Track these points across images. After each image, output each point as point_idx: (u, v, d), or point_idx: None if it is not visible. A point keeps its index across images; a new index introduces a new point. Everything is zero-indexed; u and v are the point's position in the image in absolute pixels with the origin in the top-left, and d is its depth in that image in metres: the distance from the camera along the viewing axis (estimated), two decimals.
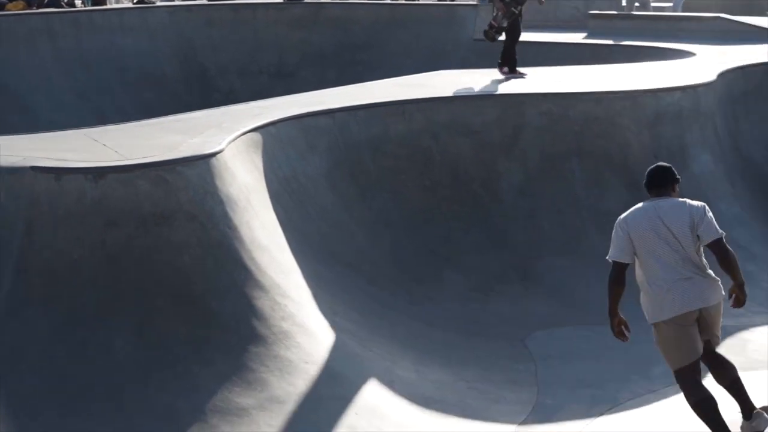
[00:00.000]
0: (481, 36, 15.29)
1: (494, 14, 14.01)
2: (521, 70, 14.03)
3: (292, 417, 6.94)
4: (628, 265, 6.53)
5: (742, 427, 6.60)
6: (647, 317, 6.60)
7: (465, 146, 11.32)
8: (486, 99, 12.12)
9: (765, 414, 6.58)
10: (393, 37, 22.46)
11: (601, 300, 9.99)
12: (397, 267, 10.02)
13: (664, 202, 6.57)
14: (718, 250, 6.48)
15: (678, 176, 6.75)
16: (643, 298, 6.61)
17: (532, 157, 11.58)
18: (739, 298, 6.62)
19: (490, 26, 14.05)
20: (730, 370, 6.67)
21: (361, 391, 7.50)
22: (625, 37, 21.30)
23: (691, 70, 14.69)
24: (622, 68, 15.26)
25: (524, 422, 7.46)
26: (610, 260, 6.62)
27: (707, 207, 6.65)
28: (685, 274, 6.41)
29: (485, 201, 11.14)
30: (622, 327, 6.60)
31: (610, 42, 20.30)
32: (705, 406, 6.35)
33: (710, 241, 6.47)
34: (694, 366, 6.44)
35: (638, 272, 6.56)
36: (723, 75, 14.03)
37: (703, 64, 15.46)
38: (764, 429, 6.46)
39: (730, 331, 9.52)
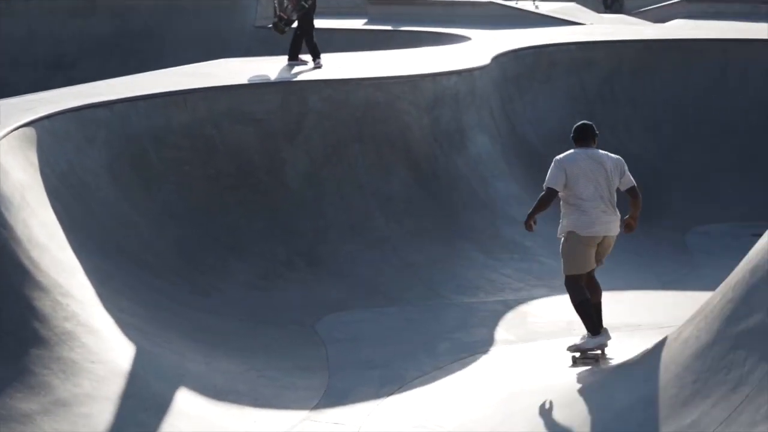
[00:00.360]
0: (263, 23, 15.24)
1: (284, 6, 13.92)
2: (303, 58, 14.02)
3: (80, 419, 6.73)
4: (557, 192, 8.07)
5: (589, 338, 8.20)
6: (562, 230, 8.17)
7: (248, 135, 11.28)
8: (268, 87, 12.10)
9: (609, 332, 8.21)
10: (174, 25, 22.11)
11: (389, 282, 10.29)
12: (183, 258, 9.88)
13: (593, 151, 8.22)
14: (634, 193, 8.26)
15: (597, 132, 8.43)
16: (565, 216, 8.14)
17: (315, 144, 11.65)
18: (631, 226, 8.34)
19: (280, 18, 13.94)
20: (599, 292, 8.38)
21: (151, 387, 7.36)
22: (404, 22, 21.78)
23: (468, 54, 15.18)
24: (401, 53, 15.60)
25: (316, 407, 7.51)
26: (545, 186, 8.15)
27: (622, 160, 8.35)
28: (601, 207, 8.04)
29: (270, 189, 11.13)
30: (532, 225, 8.30)
31: (390, 28, 20.68)
32: (585, 305, 8.11)
33: (629, 186, 8.24)
34: (583, 276, 8.16)
35: (566, 196, 8.09)
36: (497, 58, 14.57)
37: (479, 48, 16.02)
38: (606, 342, 8.11)
39: (511, 305, 9.98)
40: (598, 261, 8.30)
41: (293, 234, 10.77)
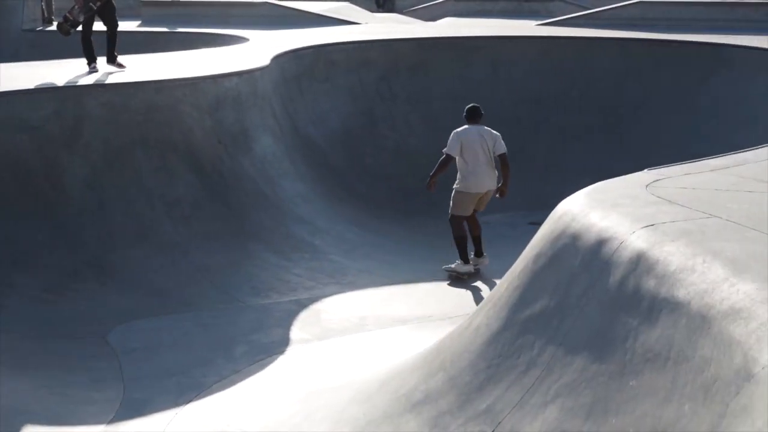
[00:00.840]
0: (32, 26, 14.63)
1: (71, 7, 13.32)
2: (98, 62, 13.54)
3: None
4: (453, 158, 11.12)
5: (471, 259, 11.45)
6: (457, 186, 11.29)
7: (25, 142, 10.81)
8: (42, 93, 11.61)
9: (487, 259, 11.58)
10: None
11: (181, 287, 10.13)
12: None
13: (479, 127, 11.34)
14: (504, 159, 11.31)
15: (483, 113, 11.59)
16: (461, 179, 11.22)
17: (96, 150, 11.31)
18: (503, 191, 11.46)
19: (65, 19, 13.31)
20: (479, 228, 11.63)
21: None
22: (179, 24, 21.48)
23: (247, 55, 15.15)
24: (180, 55, 15.38)
25: (113, 421, 7.30)
26: (444, 152, 11.20)
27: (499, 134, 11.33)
28: (485, 169, 11.16)
29: (51, 197, 10.72)
30: (433, 186, 11.32)
31: (166, 29, 20.33)
32: (462, 240, 11.36)
33: (501, 152, 11.26)
34: (465, 218, 11.39)
35: (460, 161, 11.14)
36: (277, 59, 14.62)
37: (258, 48, 16.02)
38: (483, 266, 11.51)
39: (304, 304, 10.04)
40: (479, 207, 11.51)
41: (78, 243, 10.42)
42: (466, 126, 11.42)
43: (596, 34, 18.36)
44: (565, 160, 15.81)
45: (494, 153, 11.21)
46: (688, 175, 6.81)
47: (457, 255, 11.36)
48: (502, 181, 11.38)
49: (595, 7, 24.28)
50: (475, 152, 11.08)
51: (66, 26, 13.26)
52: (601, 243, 5.53)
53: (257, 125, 12.99)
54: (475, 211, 11.52)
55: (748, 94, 15.32)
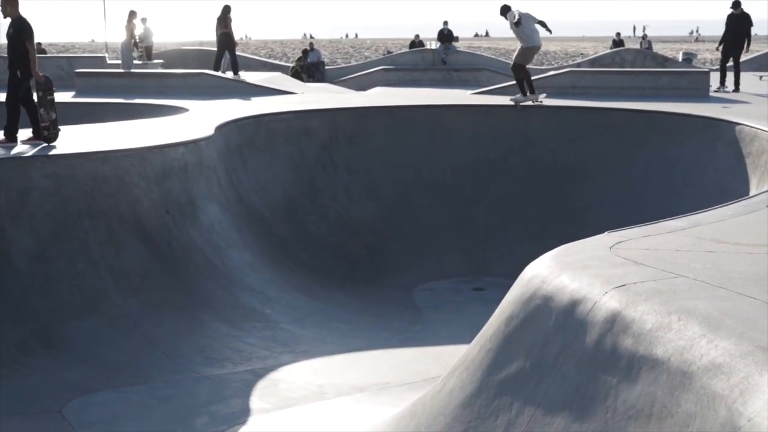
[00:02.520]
0: None
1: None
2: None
3: None
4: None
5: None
6: (522, 42, 17.72)
7: None
8: None
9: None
10: None
11: (133, 359, 10.00)
12: None
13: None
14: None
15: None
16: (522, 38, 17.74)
17: (42, 221, 11.17)
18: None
19: (45, 129, 12.81)
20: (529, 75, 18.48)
21: None
22: (115, 94, 21.40)
23: (190, 125, 15.17)
24: (122, 126, 15.34)
25: None
26: (514, 23, 17.57)
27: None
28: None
29: None
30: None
31: (102, 100, 20.24)
32: (523, 80, 18.01)
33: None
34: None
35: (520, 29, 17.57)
36: (220, 128, 14.67)
37: (200, 118, 16.04)
38: (531, 99, 17.66)
39: (260, 374, 9.97)
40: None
41: (26, 316, 10.24)
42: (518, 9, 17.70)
43: (530, 102, 18.75)
44: (505, 227, 16.05)
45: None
46: (647, 237, 7.00)
47: None
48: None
49: None
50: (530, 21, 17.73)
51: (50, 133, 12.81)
52: (574, 304, 5.66)
53: (204, 195, 12.98)
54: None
55: (679, 159, 15.77)
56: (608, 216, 14.61)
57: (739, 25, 21.27)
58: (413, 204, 16.40)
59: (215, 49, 26.14)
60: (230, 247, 12.78)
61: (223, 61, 25.56)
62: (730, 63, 21.83)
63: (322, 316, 12.36)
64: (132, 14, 29.09)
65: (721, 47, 21.67)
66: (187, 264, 11.91)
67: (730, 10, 21.29)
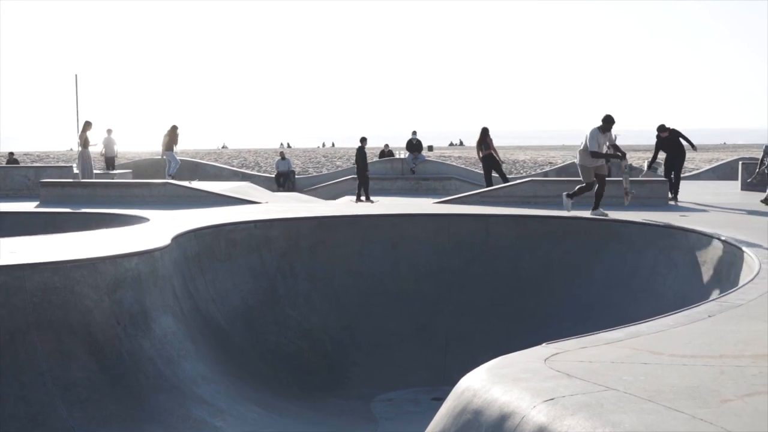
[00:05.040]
0: None
1: None
2: None
3: None
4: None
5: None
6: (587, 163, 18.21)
7: None
8: None
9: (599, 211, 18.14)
10: None
11: None
12: None
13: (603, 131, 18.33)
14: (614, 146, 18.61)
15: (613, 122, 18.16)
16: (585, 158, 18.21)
17: None
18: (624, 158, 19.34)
19: None
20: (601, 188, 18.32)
21: None
22: (79, 204, 21.40)
23: (148, 234, 15.11)
24: (79, 236, 15.25)
25: None
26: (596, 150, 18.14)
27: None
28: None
29: None
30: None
31: (65, 210, 20.21)
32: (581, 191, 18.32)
33: (612, 143, 18.62)
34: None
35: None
36: (177, 238, 14.62)
37: (158, 228, 16.01)
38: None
39: None
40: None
41: None
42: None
43: (493, 211, 18.89)
44: (467, 335, 15.97)
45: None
46: (584, 348, 6.95)
47: None
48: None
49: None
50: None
51: None
52: (503, 418, 5.58)
53: (157, 305, 12.85)
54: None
55: (638, 267, 15.83)
56: (570, 324, 14.59)
57: (671, 143, 22.28)
58: (375, 313, 16.33)
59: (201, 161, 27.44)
60: (183, 358, 12.59)
61: (169, 168, 29.55)
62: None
63: (277, 428, 12.13)
64: (87, 125, 29.25)
65: (651, 165, 23.08)
66: (137, 376, 11.71)
67: (658, 133, 22.50)
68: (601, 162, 18.42)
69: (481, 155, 26.70)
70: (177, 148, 31.47)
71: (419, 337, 16.16)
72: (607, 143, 18.27)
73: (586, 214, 17.97)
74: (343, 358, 15.53)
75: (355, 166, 30.53)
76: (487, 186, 25.75)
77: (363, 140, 29.59)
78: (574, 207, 18.46)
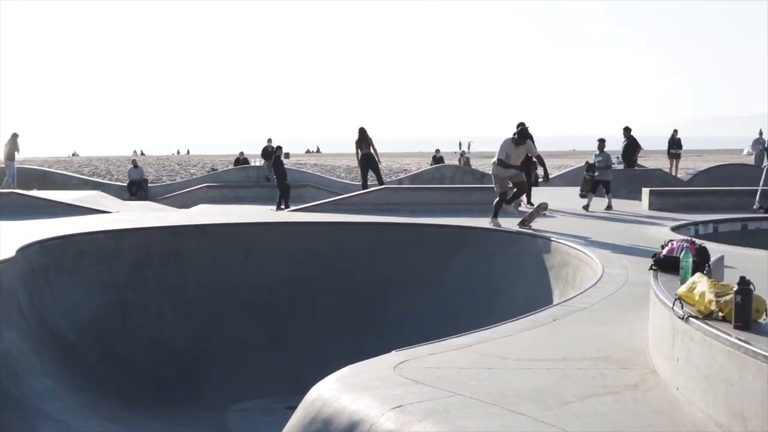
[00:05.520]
0: None
1: None
2: None
3: None
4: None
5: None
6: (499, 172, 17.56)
7: None
8: None
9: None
10: None
11: None
12: None
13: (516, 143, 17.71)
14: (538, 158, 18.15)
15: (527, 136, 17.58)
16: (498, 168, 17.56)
17: None
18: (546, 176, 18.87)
19: None
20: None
21: None
22: None
23: None
24: None
25: None
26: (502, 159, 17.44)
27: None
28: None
29: None
30: None
31: None
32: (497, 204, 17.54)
33: (535, 155, 18.00)
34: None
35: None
36: (22, 250, 14.16)
37: (2, 240, 15.46)
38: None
39: None
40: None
41: None
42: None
43: (347, 218, 18.99)
44: (320, 343, 15.98)
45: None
46: (433, 354, 7.07)
47: None
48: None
49: (345, 193, 25.23)
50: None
51: None
52: (352, 426, 5.63)
53: (1, 319, 12.41)
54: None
55: (489, 273, 16.17)
56: (423, 331, 14.73)
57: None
58: (228, 323, 16.18)
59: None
60: (28, 373, 12.20)
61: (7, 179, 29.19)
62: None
63: None
64: None
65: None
66: None
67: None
68: (514, 171, 17.61)
69: (359, 155, 26.58)
70: (19, 156, 30.58)
71: (273, 346, 16.09)
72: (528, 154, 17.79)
73: (439, 221, 18.25)
74: (195, 369, 15.32)
75: (274, 175, 30.17)
76: (363, 188, 25.82)
77: (279, 149, 29.23)
78: (420, 214, 18.79)
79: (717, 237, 16.81)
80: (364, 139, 26.30)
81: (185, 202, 33.63)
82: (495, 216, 17.79)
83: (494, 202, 17.93)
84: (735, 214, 19.96)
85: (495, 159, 17.83)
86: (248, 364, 15.39)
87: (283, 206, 27.73)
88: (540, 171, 18.98)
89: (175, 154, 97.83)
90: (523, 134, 17.45)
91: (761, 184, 21.09)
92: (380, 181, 27.13)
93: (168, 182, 43.90)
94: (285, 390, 14.73)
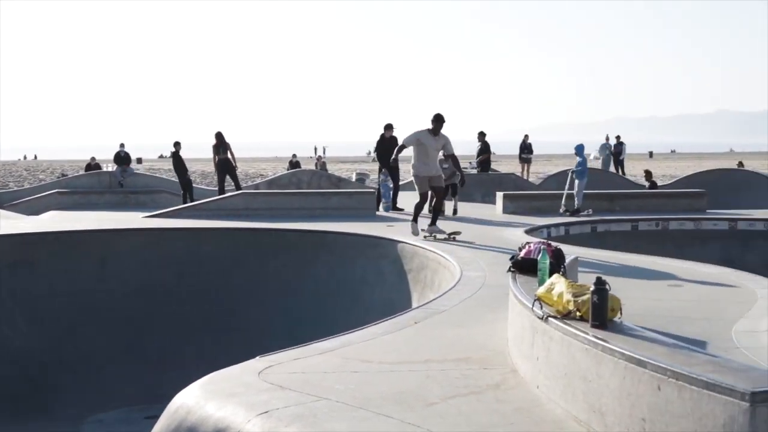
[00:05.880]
0: None
1: None
2: None
3: None
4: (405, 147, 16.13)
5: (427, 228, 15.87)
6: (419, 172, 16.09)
7: None
8: None
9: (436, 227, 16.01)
10: None
11: None
12: None
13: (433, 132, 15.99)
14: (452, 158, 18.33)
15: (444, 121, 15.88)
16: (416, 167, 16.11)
17: None
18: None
19: None
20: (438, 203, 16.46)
21: None
22: None
23: None
24: None
25: None
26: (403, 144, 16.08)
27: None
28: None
29: None
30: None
31: None
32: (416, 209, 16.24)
33: (449, 153, 16.93)
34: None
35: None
36: None
37: None
38: (432, 234, 15.84)
39: None
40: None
41: None
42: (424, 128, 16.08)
43: (204, 224, 18.75)
44: (179, 351, 15.73)
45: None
46: (297, 359, 7.06)
47: None
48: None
49: (201, 199, 24.89)
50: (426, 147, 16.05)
51: None
52: None
53: None
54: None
55: (348, 277, 16.24)
56: (283, 336, 14.69)
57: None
58: (83, 332, 15.75)
59: None
60: None
61: None
62: None
63: None
64: None
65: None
66: None
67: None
68: (435, 173, 16.35)
69: (216, 160, 26.24)
70: None
71: (130, 355, 15.76)
72: (442, 152, 16.74)
73: (297, 226, 18.21)
74: (50, 380, 14.86)
75: (175, 173, 29.34)
76: (220, 193, 25.44)
77: (176, 144, 28.53)
78: (278, 219, 18.70)
79: (568, 239, 17.32)
80: (221, 144, 26.06)
81: (35, 208, 32.51)
82: (414, 220, 16.50)
83: (415, 205, 16.54)
84: (584, 217, 20.65)
85: (412, 161, 16.16)
86: (105, 374, 15.02)
87: (189, 200, 27.31)
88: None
89: (22, 159, 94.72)
90: (438, 119, 15.93)
91: (566, 188, 21.82)
92: (237, 186, 26.86)
93: (15, 188, 42.44)
94: (144, 399, 14.45)
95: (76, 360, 15.23)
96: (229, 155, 26.14)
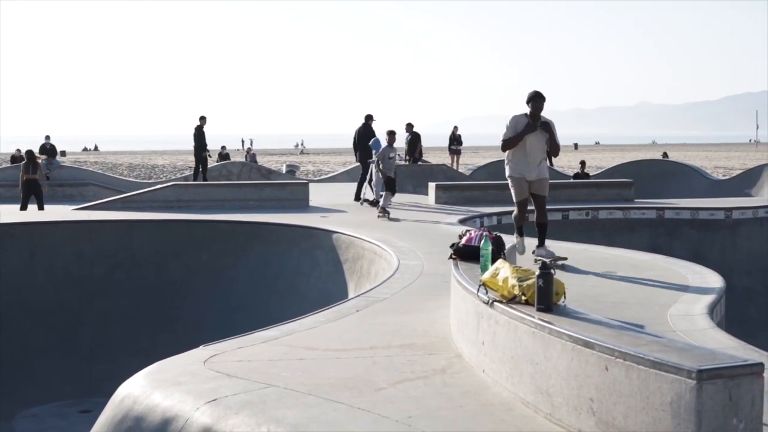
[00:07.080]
0: None
1: None
2: None
3: None
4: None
5: (533, 252, 11.87)
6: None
7: None
8: None
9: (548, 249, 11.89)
10: None
11: None
12: None
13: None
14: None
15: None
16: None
17: None
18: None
19: None
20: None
21: None
22: None
23: None
24: None
25: None
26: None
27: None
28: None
29: None
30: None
31: None
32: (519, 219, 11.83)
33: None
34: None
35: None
36: None
37: None
38: (546, 257, 11.28)
39: None
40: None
41: None
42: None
43: (136, 216, 18.52)
44: (113, 344, 15.58)
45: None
46: (242, 348, 7.04)
47: None
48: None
49: (130, 191, 24.57)
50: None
51: None
52: (166, 422, 5.53)
53: None
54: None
55: (283, 267, 16.20)
56: (217, 327, 14.62)
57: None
58: (12, 327, 15.46)
59: None
60: None
61: None
62: None
63: None
64: None
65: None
66: None
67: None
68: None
69: (24, 178, 25.06)
70: None
71: (62, 348, 15.54)
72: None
73: (230, 217, 18.10)
74: None
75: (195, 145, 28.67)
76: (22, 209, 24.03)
77: (202, 119, 27.97)
78: (211, 211, 18.57)
79: (501, 228, 17.47)
80: (32, 162, 24.68)
81: None
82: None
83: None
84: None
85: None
86: (37, 368, 14.80)
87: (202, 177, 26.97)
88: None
89: None
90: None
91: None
92: (40, 207, 24.76)
93: None
94: (77, 393, 14.30)
95: (7, 354, 14.96)
96: (38, 175, 25.16)
